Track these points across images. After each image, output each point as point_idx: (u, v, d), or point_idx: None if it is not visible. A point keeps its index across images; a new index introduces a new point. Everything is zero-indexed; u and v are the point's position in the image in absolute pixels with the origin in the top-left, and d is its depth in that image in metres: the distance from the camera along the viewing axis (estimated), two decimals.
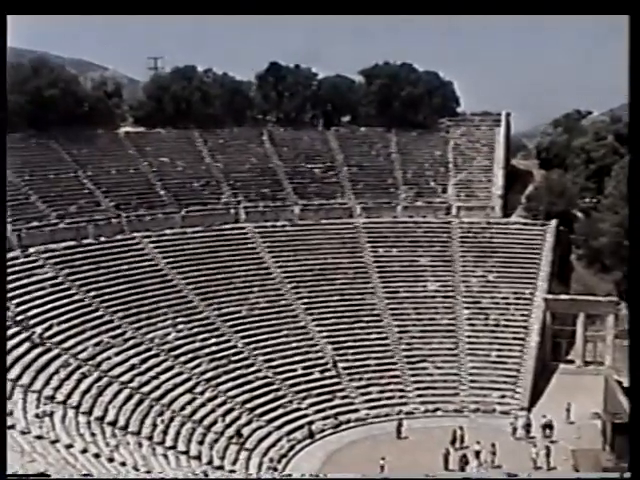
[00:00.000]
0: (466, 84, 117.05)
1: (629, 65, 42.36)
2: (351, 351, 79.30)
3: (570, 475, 62.18)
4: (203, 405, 67.52)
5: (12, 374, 57.71)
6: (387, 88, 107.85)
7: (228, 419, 66.95)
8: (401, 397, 76.29)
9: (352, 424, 72.74)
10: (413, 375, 78.44)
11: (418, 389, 77.26)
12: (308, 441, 69.24)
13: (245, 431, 66.69)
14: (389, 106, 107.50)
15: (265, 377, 73.91)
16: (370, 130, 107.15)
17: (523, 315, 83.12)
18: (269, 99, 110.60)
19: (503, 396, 76.41)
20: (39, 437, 49.55)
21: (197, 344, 74.18)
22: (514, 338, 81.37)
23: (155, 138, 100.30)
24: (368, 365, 78.36)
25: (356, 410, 74.31)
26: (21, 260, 74.36)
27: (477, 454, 64.76)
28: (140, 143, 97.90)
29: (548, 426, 69.74)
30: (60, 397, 58.42)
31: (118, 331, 71.20)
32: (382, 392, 76.39)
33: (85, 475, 42.05)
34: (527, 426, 70.56)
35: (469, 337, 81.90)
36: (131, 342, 70.75)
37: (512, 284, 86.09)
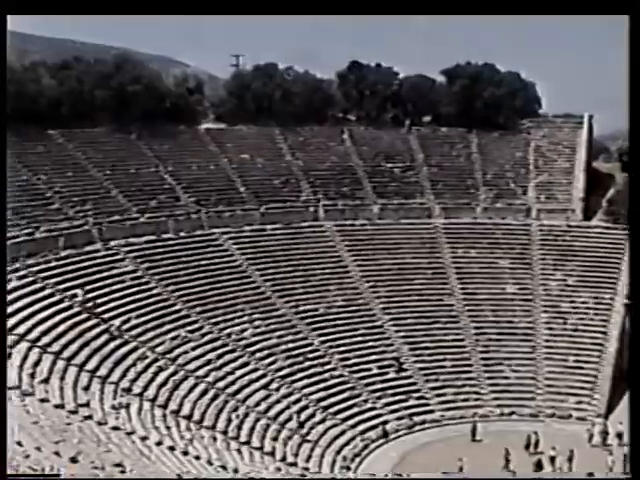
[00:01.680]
0: (549, 85, 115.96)
1: (629, 65, 41.80)
2: (427, 352, 78.88)
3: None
4: (278, 402, 67.56)
5: (90, 365, 58.50)
6: (469, 88, 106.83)
7: (303, 416, 67.07)
8: (476, 400, 75.79)
9: (426, 425, 72.29)
10: (489, 378, 77.78)
11: (494, 392, 76.58)
12: (382, 441, 68.97)
13: (319, 429, 66.75)
14: (471, 106, 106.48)
15: (340, 375, 73.77)
16: (451, 130, 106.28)
17: (602, 320, 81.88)
18: (350, 98, 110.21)
19: (580, 402, 75.40)
20: (115, 428, 50.03)
21: (273, 341, 74.28)
22: (592, 343, 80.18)
23: (236, 135, 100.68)
24: (444, 366, 77.88)
25: (431, 411, 73.91)
26: (102, 253, 75.31)
27: (552, 460, 63.93)
28: (221, 140, 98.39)
29: None
30: (137, 389, 59.04)
31: (195, 326, 71.63)
32: (457, 394, 75.93)
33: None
34: (604, 433, 69.49)
35: (547, 341, 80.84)
36: (208, 337, 71.14)
37: (592, 289, 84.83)
